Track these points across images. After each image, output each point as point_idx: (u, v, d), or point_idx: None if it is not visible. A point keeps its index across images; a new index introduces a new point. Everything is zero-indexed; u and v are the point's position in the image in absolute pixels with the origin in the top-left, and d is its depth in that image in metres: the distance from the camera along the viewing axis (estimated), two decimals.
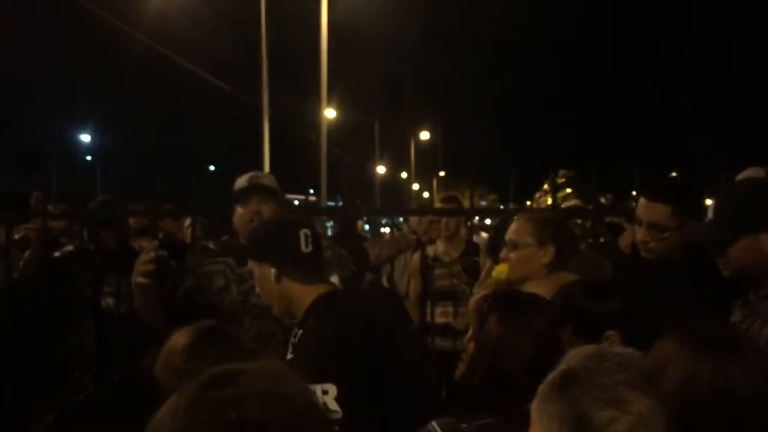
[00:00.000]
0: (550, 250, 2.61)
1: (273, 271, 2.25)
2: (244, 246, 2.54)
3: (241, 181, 3.06)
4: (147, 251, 2.77)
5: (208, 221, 6.44)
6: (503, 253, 2.71)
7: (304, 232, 2.28)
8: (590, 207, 3.96)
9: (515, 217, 2.83)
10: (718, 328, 1.68)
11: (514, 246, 2.66)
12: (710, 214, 2.26)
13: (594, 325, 2.04)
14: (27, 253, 3.60)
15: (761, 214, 2.14)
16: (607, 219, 5.82)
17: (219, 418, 0.90)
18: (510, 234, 2.71)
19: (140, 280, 2.70)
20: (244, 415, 0.90)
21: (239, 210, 2.99)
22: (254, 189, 3.00)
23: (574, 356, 1.32)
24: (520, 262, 2.63)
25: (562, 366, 1.31)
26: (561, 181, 5.81)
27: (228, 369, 0.98)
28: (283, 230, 2.33)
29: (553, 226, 2.69)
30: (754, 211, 2.15)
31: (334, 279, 3.06)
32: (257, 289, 2.40)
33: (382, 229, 13.31)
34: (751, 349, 1.66)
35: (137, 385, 1.46)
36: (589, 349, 1.33)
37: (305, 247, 2.26)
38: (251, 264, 2.36)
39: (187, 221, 6.00)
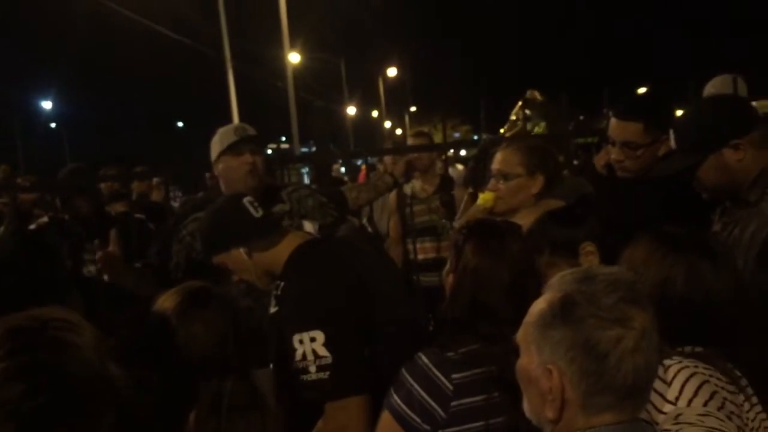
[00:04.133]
0: (540, 179, 2.59)
1: (242, 250, 2.23)
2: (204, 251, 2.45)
3: (227, 134, 3.02)
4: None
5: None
6: (491, 185, 2.67)
7: (247, 200, 2.27)
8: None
9: (501, 147, 2.75)
10: (688, 231, 1.68)
11: (504, 177, 2.61)
12: (672, 144, 2.31)
13: (568, 246, 2.10)
14: (1, 229, 3.55)
15: (719, 132, 2.19)
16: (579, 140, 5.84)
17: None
18: (498, 164, 2.65)
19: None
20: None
21: (231, 162, 2.98)
22: (246, 140, 2.99)
23: (562, 281, 1.29)
24: (510, 193, 2.60)
25: (551, 292, 1.29)
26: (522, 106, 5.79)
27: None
28: (228, 210, 2.29)
29: (541, 155, 2.64)
30: (711, 131, 2.20)
31: (308, 227, 3.05)
32: (235, 278, 2.39)
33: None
34: (723, 252, 1.68)
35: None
36: (574, 272, 1.31)
37: (257, 213, 2.25)
38: (219, 260, 2.30)
39: (156, 180, 5.94)
